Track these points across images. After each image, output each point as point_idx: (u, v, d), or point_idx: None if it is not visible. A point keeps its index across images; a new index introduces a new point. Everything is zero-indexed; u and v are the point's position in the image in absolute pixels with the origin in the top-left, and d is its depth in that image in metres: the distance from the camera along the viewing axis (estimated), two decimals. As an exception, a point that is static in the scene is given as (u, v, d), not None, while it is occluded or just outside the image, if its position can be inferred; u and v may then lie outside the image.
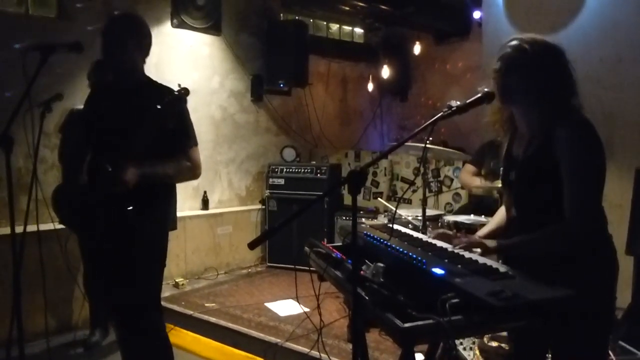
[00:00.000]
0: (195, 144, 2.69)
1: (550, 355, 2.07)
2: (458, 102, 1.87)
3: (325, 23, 6.84)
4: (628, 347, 2.97)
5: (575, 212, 1.75)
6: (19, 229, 2.24)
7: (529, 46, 1.83)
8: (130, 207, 2.47)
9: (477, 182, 3.93)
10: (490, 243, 1.91)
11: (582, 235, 1.78)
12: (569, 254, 1.80)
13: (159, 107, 2.43)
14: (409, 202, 5.57)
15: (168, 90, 2.59)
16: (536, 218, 1.89)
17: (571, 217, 1.76)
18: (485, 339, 2.97)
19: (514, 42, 1.87)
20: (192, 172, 2.67)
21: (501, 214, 2.16)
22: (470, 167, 4.18)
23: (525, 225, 1.93)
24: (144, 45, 2.62)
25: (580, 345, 1.82)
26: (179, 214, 5.09)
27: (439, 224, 3.84)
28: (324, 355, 3.13)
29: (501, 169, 2.08)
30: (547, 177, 1.81)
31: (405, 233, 2.28)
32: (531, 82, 1.83)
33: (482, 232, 2.19)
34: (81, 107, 3.62)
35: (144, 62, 2.66)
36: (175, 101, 2.51)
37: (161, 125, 2.45)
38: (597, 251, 1.84)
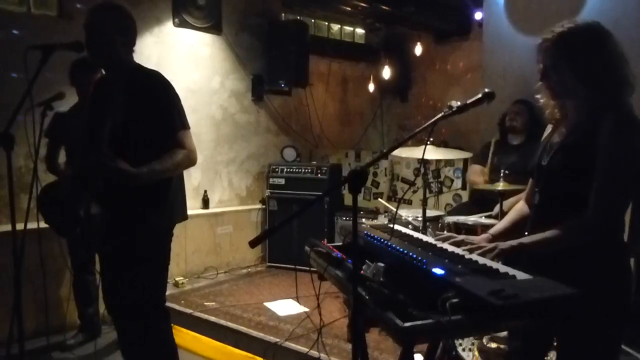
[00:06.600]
0: (184, 127, 2.51)
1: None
2: (459, 103, 1.86)
3: (326, 23, 6.84)
4: (628, 349, 2.96)
5: (598, 208, 1.71)
6: (19, 227, 2.24)
7: (569, 31, 1.80)
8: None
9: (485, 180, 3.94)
10: (504, 245, 1.82)
11: (600, 233, 1.74)
12: (578, 250, 1.75)
13: (140, 90, 2.37)
14: (409, 202, 5.56)
15: (154, 74, 2.51)
16: (557, 207, 1.84)
17: (593, 213, 1.71)
18: (484, 340, 2.96)
19: (553, 33, 1.83)
20: (189, 158, 2.51)
21: (518, 209, 2.12)
22: (477, 167, 4.21)
23: (544, 213, 1.89)
24: (129, 35, 2.53)
25: (587, 347, 1.77)
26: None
27: (439, 224, 3.84)
28: (323, 355, 3.12)
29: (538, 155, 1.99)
30: (580, 166, 1.76)
31: (405, 233, 2.28)
32: (579, 66, 1.78)
33: (495, 229, 2.13)
34: (65, 110, 3.61)
35: (132, 51, 2.57)
36: (157, 83, 2.44)
37: (144, 110, 2.39)
38: (608, 252, 1.79)
